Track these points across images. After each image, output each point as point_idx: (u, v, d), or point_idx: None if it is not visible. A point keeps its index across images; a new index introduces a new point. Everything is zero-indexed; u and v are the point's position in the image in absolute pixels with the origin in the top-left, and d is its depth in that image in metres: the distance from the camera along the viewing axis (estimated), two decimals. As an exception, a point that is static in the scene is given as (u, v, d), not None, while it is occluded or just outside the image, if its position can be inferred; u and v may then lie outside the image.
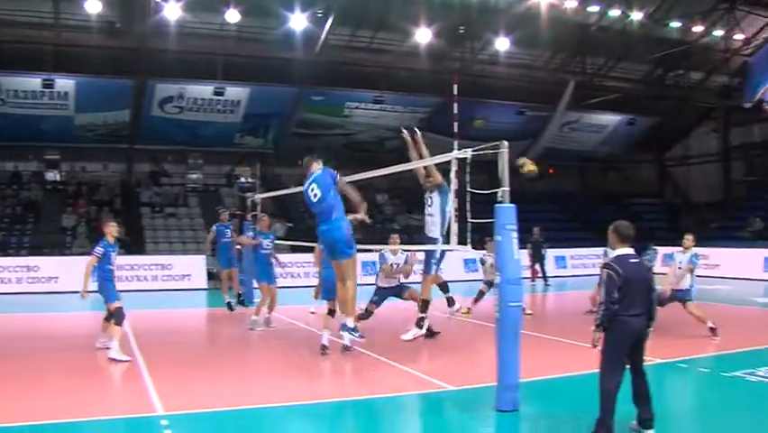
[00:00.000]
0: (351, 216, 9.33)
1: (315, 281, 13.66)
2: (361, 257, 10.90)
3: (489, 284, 13.96)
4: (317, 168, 9.32)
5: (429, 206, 10.30)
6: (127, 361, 9.76)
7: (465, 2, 24.26)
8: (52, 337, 12.37)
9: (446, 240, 9.60)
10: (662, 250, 20.74)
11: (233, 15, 22.30)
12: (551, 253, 24.32)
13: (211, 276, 21.70)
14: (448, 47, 26.16)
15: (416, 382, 8.73)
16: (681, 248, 11.85)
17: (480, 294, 14.64)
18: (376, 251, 12.30)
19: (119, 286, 10.61)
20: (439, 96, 26.58)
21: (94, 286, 10.18)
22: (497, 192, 7.36)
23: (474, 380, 8.45)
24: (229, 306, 15.45)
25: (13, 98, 23.51)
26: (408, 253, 11.86)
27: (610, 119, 32.20)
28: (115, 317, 10.03)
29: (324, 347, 10.27)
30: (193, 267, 22.13)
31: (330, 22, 23.14)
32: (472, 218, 7.99)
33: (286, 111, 27.34)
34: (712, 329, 11.22)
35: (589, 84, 28.91)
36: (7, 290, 19.94)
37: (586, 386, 6.69)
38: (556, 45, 27.75)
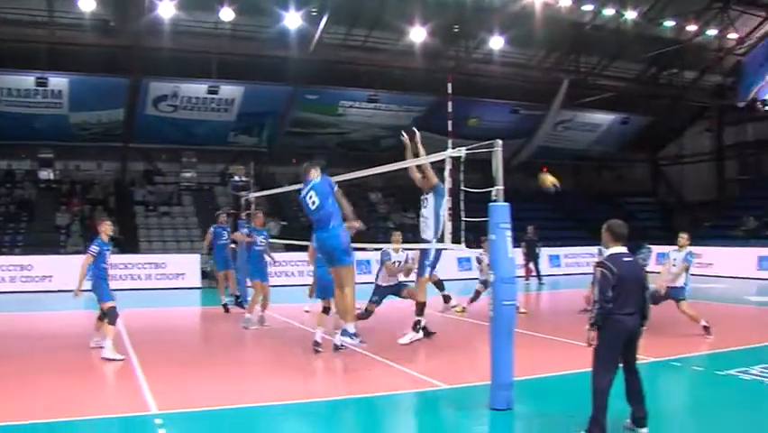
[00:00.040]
0: (347, 224, 9.35)
1: (310, 280, 13.65)
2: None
3: (486, 283, 13.95)
4: (316, 175, 9.28)
5: (424, 207, 10.31)
6: (121, 360, 9.75)
7: (460, 1, 24.28)
8: (46, 336, 12.33)
9: (440, 241, 9.61)
10: (656, 249, 20.79)
11: (227, 14, 22.25)
12: (545, 252, 24.42)
13: (205, 275, 21.69)
14: (442, 46, 26.16)
15: (410, 380, 8.74)
16: (675, 247, 11.89)
17: (477, 294, 14.61)
18: (369, 250, 12.31)
19: (113, 285, 10.59)
20: (433, 95, 26.58)
21: (87, 285, 10.15)
22: (491, 191, 7.37)
23: (468, 379, 8.45)
24: (225, 307, 15.43)
25: (6, 97, 23.42)
26: (409, 252, 11.87)
27: (604, 118, 32.28)
28: (109, 316, 10.00)
29: (316, 344, 10.27)
30: (187, 266, 22.08)
31: (324, 20, 23.10)
32: (466, 217, 8.00)
33: (280, 110, 27.31)
34: (706, 328, 11.25)
35: (583, 83, 28.98)
36: (1, 288, 19.86)
37: (580, 384, 6.69)
38: (550, 44, 27.78)
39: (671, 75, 30.83)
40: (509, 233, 7.29)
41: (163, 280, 21.65)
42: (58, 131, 25.51)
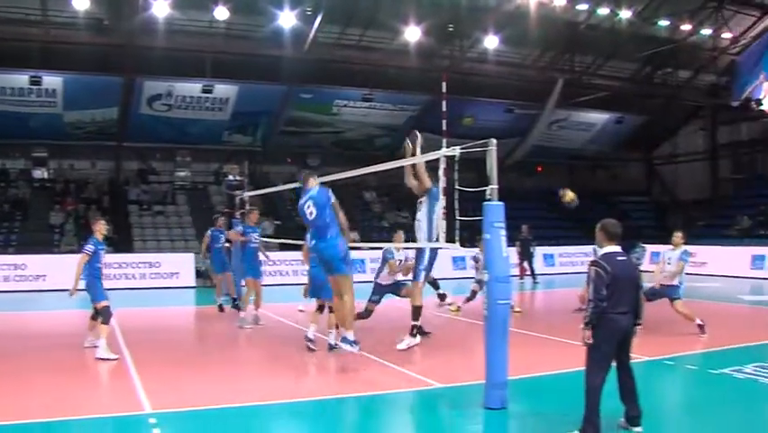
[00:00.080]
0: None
1: (304, 279, 13.62)
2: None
3: (481, 283, 13.91)
4: (314, 184, 9.32)
5: (419, 211, 10.33)
6: (115, 359, 9.72)
7: (454, 0, 24.28)
8: (40, 336, 12.31)
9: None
10: (650, 248, 20.84)
11: (221, 13, 22.23)
12: (539, 251, 24.44)
13: (199, 274, 21.66)
14: (437, 45, 26.17)
15: (404, 379, 8.74)
16: (670, 246, 11.91)
17: (473, 294, 14.56)
18: (365, 249, 12.32)
19: (107, 284, 10.57)
20: (428, 94, 26.61)
21: (81, 284, 10.12)
22: (485, 190, 7.37)
23: (463, 378, 8.46)
24: (220, 307, 15.40)
25: (0, 95, 23.37)
26: (408, 251, 11.88)
27: (598, 117, 32.33)
28: (102, 315, 9.98)
29: (308, 339, 10.27)
30: (181, 265, 22.07)
31: (319, 19, 23.08)
32: (461, 216, 8.00)
33: (274, 109, 27.28)
34: (700, 326, 11.27)
35: (577, 82, 29.00)
36: (-6, 288, 19.81)
37: (574, 383, 6.70)
38: (545, 43, 27.82)
39: (665, 74, 30.90)
40: (504, 232, 7.29)
41: (157, 279, 21.62)
42: (52, 130, 25.43)
